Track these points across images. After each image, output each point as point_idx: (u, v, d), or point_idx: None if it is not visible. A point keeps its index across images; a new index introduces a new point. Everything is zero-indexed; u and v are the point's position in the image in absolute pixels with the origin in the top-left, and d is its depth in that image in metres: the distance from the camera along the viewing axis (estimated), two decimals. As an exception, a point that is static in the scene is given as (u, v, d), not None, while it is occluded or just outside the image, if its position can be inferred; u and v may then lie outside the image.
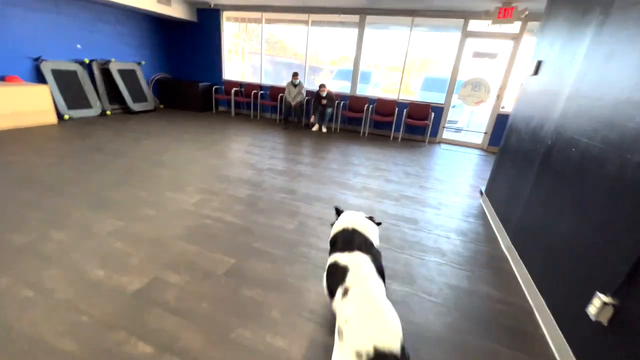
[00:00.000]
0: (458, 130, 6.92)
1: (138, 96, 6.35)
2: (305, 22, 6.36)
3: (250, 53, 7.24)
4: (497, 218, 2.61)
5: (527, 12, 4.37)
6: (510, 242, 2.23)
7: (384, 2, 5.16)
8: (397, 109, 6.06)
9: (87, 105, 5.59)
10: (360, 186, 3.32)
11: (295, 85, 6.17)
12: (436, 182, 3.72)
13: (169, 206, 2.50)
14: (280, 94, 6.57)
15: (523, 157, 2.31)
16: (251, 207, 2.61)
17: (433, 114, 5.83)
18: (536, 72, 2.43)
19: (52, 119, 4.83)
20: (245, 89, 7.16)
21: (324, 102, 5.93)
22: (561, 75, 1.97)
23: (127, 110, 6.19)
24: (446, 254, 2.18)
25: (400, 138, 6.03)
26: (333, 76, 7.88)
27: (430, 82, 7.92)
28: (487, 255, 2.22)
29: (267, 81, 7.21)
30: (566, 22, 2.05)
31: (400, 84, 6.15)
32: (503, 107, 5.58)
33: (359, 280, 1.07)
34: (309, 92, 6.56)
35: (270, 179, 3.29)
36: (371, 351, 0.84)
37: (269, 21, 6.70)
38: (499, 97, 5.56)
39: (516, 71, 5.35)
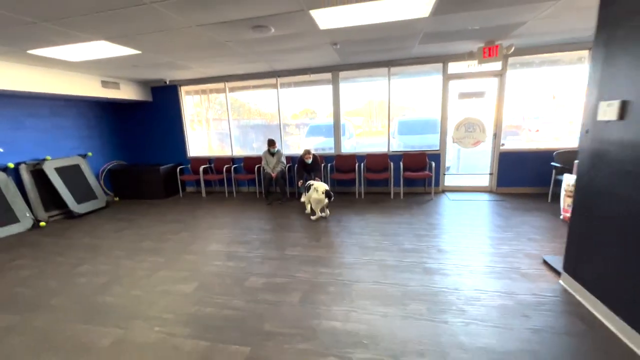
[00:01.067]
0: (446, 170, 6.39)
1: (84, 195, 5.21)
2: (273, 86, 5.86)
3: (214, 120, 6.53)
4: (634, 334, 1.74)
5: (513, 49, 4.10)
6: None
7: (357, 57, 4.79)
8: (390, 162, 5.45)
9: (12, 219, 4.36)
10: (400, 293, 2.36)
11: (273, 154, 5.42)
12: (482, 257, 2.88)
13: None
14: (257, 165, 5.76)
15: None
16: (256, 396, 1.53)
17: (433, 163, 5.25)
18: (622, 117, 1.79)
19: (-47, 252, 3.55)
20: (215, 164, 6.30)
21: (309, 167, 5.21)
22: None
23: (70, 215, 4.99)
24: None
25: (402, 194, 5.30)
26: (306, 133, 7.32)
27: (406, 125, 7.62)
28: None
29: (236, 146, 6.43)
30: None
31: (388, 136, 5.64)
32: (503, 145, 5.14)
33: (316, 183, 4.22)
34: (288, 159, 5.83)
35: (271, 310, 2.24)
36: (322, 190, 4.03)
37: (232, 89, 6.14)
38: (496, 135, 5.15)
39: (508, 107, 5.03)
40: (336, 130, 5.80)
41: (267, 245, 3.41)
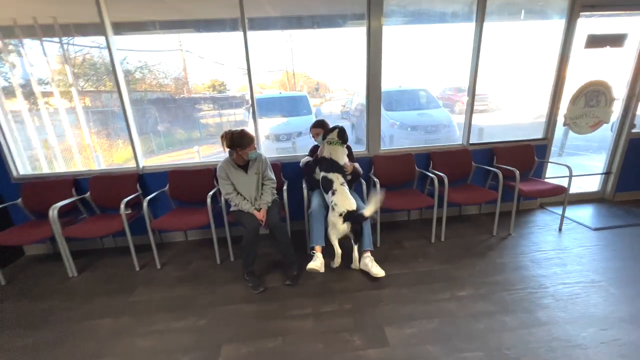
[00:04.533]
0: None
1: None
2: (228, 25, 2.53)
3: (85, 93, 2.84)
4: None
5: None
6: None
7: None
8: (473, 164, 2.98)
9: None
10: None
11: (246, 166, 2.26)
12: None
13: None
14: (211, 190, 2.47)
15: None
16: None
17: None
18: None
19: None
20: (94, 191, 2.67)
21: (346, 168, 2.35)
22: None
23: None
24: None
25: (512, 223, 2.83)
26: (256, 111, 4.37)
27: (391, 98, 5.48)
28: None
29: (146, 146, 2.94)
30: None
31: (470, 116, 3.09)
32: (635, 126, 3.23)
33: (339, 188, 2.16)
34: (274, 167, 2.76)
35: None
36: (345, 212, 2.05)
37: (121, 27, 2.53)
38: (628, 111, 3.19)
39: (654, 63, 3.08)
40: (373, 111, 2.90)
41: None
